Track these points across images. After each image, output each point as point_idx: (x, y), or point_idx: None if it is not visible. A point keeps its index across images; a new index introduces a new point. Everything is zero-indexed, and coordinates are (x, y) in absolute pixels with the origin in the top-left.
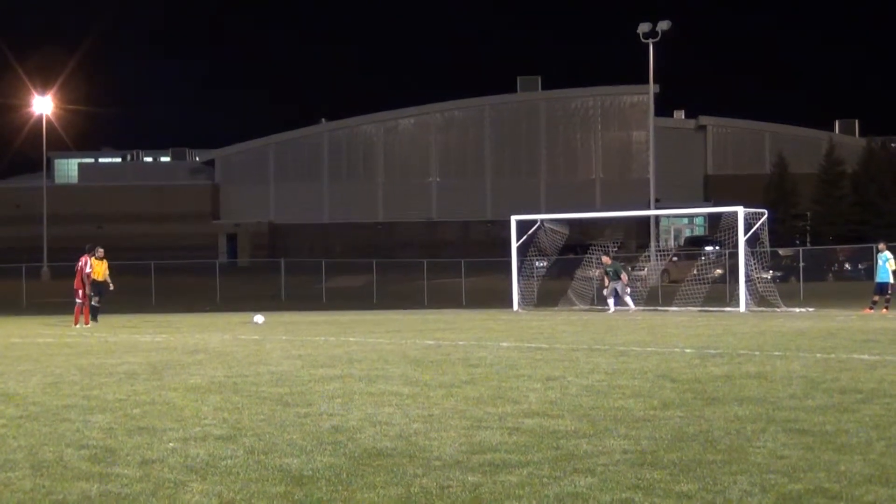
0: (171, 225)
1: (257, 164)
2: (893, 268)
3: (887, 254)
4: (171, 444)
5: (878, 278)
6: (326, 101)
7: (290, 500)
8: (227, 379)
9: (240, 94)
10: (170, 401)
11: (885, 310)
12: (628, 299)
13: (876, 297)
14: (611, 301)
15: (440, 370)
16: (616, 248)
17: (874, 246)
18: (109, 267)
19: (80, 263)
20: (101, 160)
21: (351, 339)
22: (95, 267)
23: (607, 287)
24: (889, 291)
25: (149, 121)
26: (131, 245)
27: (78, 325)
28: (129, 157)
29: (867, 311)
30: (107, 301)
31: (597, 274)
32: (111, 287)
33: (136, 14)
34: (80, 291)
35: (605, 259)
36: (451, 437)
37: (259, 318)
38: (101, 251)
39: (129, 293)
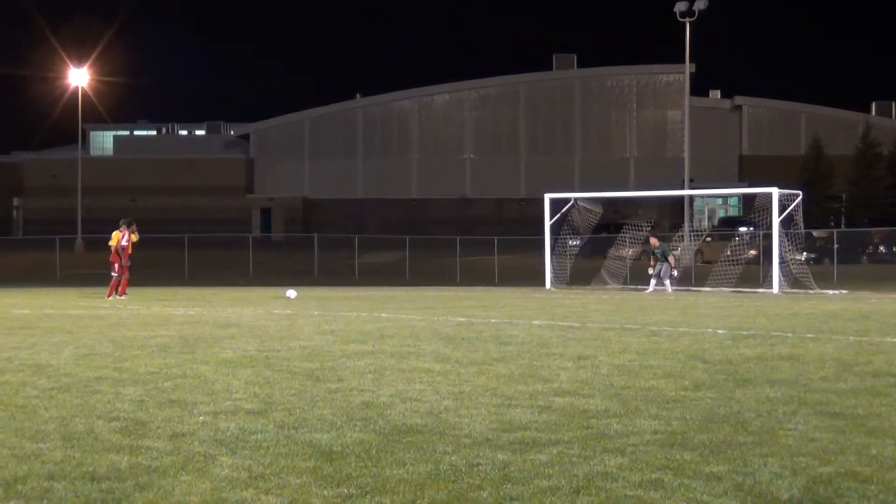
0: (204, 198)
1: (292, 139)
2: None
3: None
4: (201, 418)
5: None
6: (362, 77)
7: (319, 475)
8: (259, 353)
9: (276, 69)
10: (201, 374)
11: None
12: (668, 283)
13: None
14: (653, 282)
15: (471, 347)
16: (650, 228)
17: None
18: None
19: (121, 238)
20: (136, 133)
21: (383, 315)
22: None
23: (653, 267)
24: None
25: (184, 94)
26: (165, 218)
27: (111, 298)
28: (163, 130)
29: None
30: (138, 274)
31: (631, 254)
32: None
33: None
34: (116, 265)
35: (654, 241)
36: (482, 415)
37: (292, 292)
38: (134, 225)
39: (163, 266)
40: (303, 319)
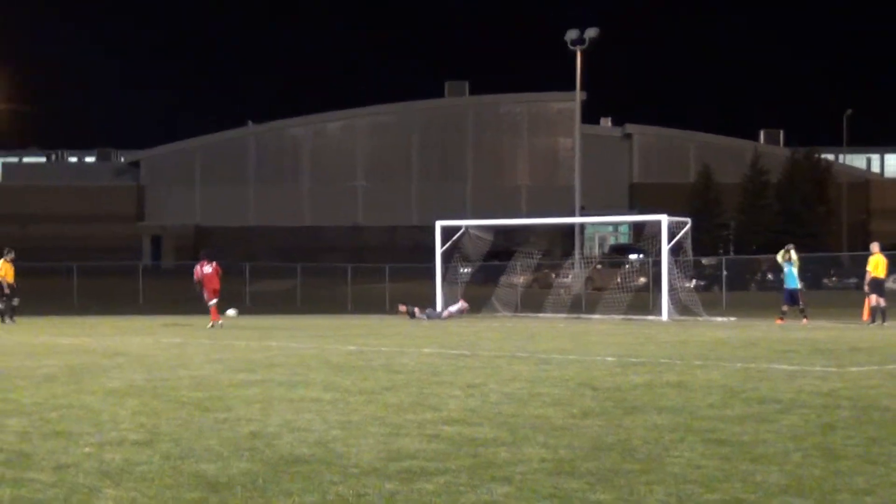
0: (95, 226)
1: (183, 166)
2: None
3: (795, 258)
4: (86, 449)
5: (787, 285)
6: (254, 104)
7: None
8: (147, 383)
9: (167, 96)
10: (87, 405)
11: (805, 320)
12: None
13: (785, 307)
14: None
15: (361, 376)
16: (540, 256)
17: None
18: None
19: None
20: (25, 160)
21: (273, 343)
22: (7, 270)
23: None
24: (801, 299)
25: (74, 121)
26: (55, 246)
27: None
28: (53, 157)
29: (778, 321)
30: (26, 303)
31: (522, 281)
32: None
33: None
34: None
35: None
36: (370, 444)
37: (232, 311)
38: (12, 254)
39: (52, 295)
40: (192, 348)
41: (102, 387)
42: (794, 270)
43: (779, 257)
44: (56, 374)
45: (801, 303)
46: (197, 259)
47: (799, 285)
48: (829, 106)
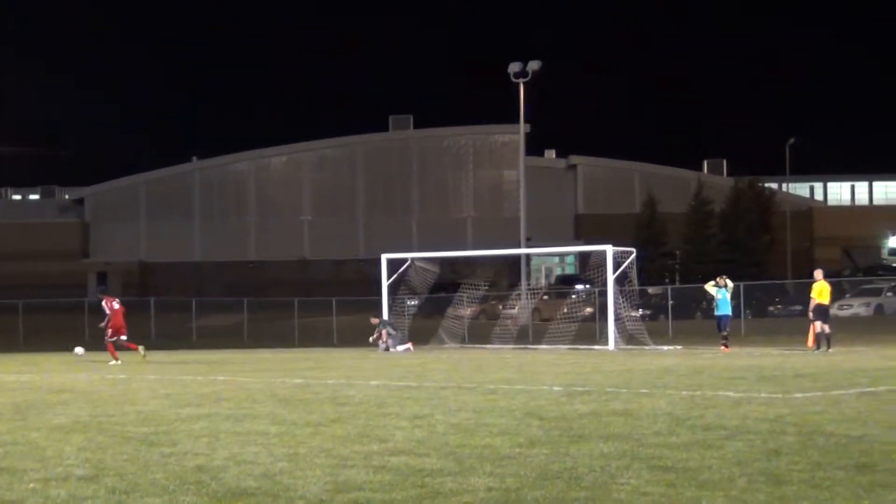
0: (39, 263)
1: (128, 203)
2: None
3: (730, 285)
4: (31, 485)
5: (720, 311)
6: (198, 140)
7: None
8: (92, 419)
9: (109, 132)
10: (32, 441)
11: (725, 348)
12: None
13: (724, 332)
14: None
15: (308, 409)
16: (486, 287)
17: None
18: None
19: None
20: None
21: (220, 377)
22: None
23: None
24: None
25: (17, 158)
26: None
27: None
28: None
29: (724, 349)
30: None
31: (469, 313)
32: None
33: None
34: None
35: (374, 320)
36: (316, 476)
37: (79, 349)
38: None
39: None
40: (138, 384)
41: (48, 423)
42: (728, 296)
43: (710, 287)
44: (1, 410)
45: (725, 330)
46: (105, 296)
47: (729, 312)
48: (771, 135)
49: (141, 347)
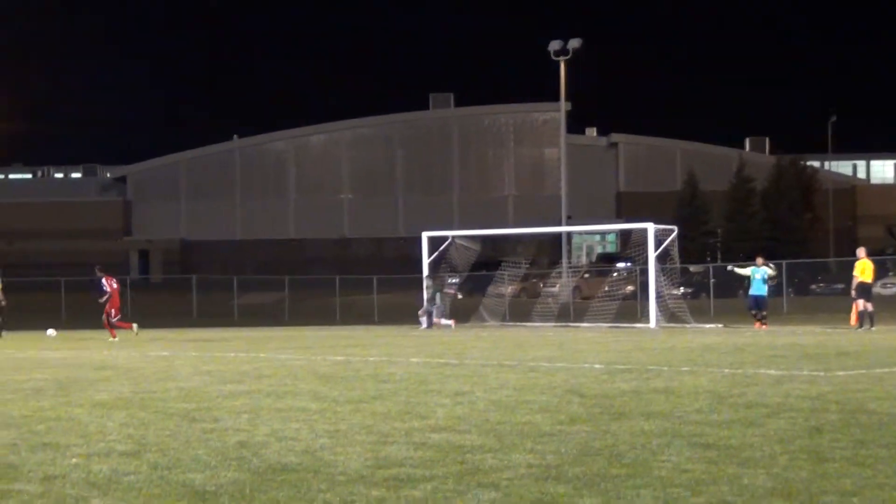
0: (82, 241)
1: (169, 181)
2: (771, 276)
3: (764, 269)
4: (74, 460)
5: (754, 291)
6: (239, 118)
7: None
8: (134, 395)
9: (152, 111)
10: (75, 417)
11: (762, 325)
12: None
13: (755, 312)
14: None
15: (349, 386)
16: (527, 265)
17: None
18: (4, 285)
19: None
20: (10, 176)
21: (261, 355)
22: None
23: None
24: (765, 306)
25: (59, 137)
26: (42, 262)
27: None
28: (39, 174)
29: (761, 327)
30: (14, 318)
31: (510, 291)
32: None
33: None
34: None
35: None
36: (357, 453)
37: (51, 331)
38: None
39: (39, 310)
40: (180, 361)
41: (90, 399)
42: (765, 277)
43: (752, 270)
44: (44, 387)
45: (764, 310)
46: (104, 274)
47: (764, 293)
48: (814, 113)
49: (134, 325)
